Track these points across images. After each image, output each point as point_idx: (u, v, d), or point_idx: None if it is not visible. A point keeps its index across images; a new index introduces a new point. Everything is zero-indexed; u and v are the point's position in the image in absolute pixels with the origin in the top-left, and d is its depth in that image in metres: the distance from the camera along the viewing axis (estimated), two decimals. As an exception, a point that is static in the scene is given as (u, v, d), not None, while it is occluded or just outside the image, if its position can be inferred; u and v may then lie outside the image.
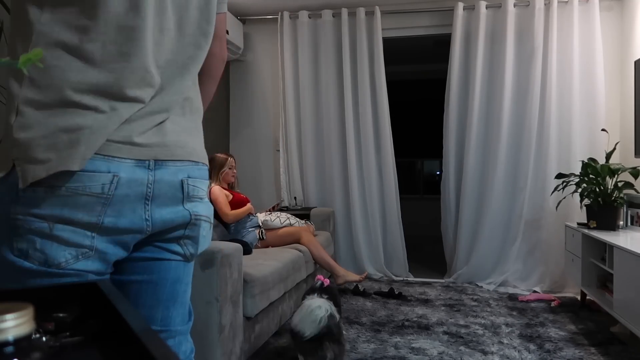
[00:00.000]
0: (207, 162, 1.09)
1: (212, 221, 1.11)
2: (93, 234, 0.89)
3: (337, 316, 2.26)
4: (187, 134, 1.01)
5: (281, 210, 4.16)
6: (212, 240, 1.17)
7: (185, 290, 1.09)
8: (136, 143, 0.91)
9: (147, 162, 0.92)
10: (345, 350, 2.36)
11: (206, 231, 1.07)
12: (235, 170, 3.61)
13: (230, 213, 3.38)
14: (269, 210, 3.89)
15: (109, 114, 0.88)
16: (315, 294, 2.37)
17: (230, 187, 3.58)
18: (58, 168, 0.84)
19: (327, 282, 2.57)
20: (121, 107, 0.90)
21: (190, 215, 1.01)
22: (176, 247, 1.03)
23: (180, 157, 0.98)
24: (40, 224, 0.85)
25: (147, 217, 0.94)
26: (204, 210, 1.05)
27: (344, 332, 2.33)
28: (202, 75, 1.14)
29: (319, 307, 2.18)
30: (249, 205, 3.53)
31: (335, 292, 2.56)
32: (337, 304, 2.41)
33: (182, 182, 0.98)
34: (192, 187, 1.01)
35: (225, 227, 3.44)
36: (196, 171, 1.02)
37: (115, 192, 0.89)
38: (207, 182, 1.08)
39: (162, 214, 0.96)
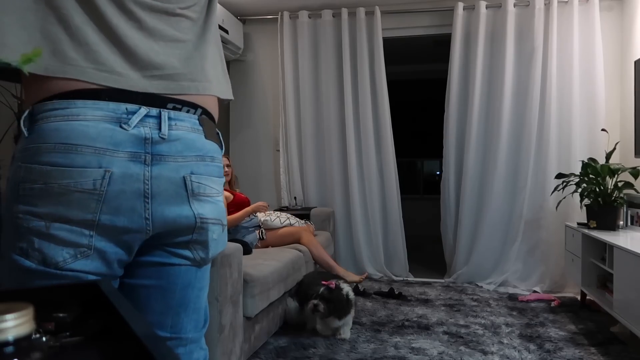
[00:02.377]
0: (219, 158, 1.02)
1: (225, 222, 1.05)
2: (91, 233, 0.87)
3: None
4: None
5: (281, 210, 4.16)
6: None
7: (198, 295, 1.04)
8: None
9: (142, 156, 0.88)
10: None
11: (217, 234, 1.01)
12: (228, 169, 3.53)
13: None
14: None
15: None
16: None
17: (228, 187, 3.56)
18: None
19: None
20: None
21: (195, 218, 0.95)
22: (186, 252, 0.98)
23: (181, 152, 0.93)
24: (37, 222, 0.85)
25: (147, 215, 0.89)
26: (212, 212, 0.99)
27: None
28: None
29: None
30: (260, 204, 3.44)
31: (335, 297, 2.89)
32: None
33: (184, 178, 0.93)
34: (197, 184, 0.95)
35: (226, 227, 3.43)
36: (202, 167, 0.96)
37: (109, 188, 0.85)
38: (219, 179, 1.02)
39: (164, 213, 0.91)
